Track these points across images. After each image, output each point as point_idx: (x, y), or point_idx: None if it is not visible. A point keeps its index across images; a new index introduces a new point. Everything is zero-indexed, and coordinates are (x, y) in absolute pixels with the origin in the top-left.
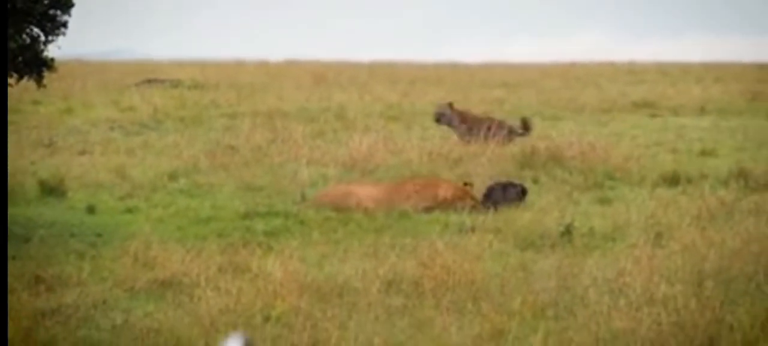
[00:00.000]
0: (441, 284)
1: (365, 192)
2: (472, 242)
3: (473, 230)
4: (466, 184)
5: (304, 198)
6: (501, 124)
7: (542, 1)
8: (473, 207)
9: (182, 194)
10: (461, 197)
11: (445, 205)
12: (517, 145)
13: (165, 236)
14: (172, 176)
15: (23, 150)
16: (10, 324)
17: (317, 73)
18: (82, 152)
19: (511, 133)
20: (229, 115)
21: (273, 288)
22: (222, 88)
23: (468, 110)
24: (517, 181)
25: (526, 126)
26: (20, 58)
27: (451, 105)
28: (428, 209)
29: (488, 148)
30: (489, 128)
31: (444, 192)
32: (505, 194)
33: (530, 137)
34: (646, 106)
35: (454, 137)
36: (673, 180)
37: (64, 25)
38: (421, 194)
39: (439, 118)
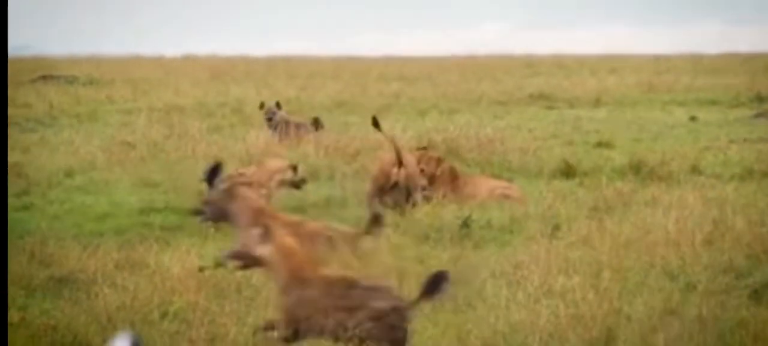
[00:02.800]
0: None
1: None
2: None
3: None
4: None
5: (201, 193)
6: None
7: None
8: None
9: (79, 190)
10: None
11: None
12: (414, 139)
13: (61, 233)
14: (68, 173)
15: None
16: None
17: (214, 67)
18: None
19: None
20: (125, 111)
21: (170, 284)
22: (118, 84)
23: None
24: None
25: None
26: None
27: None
28: None
29: (385, 141)
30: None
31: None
32: None
33: (427, 130)
34: (542, 98)
35: (351, 132)
36: (569, 172)
37: None
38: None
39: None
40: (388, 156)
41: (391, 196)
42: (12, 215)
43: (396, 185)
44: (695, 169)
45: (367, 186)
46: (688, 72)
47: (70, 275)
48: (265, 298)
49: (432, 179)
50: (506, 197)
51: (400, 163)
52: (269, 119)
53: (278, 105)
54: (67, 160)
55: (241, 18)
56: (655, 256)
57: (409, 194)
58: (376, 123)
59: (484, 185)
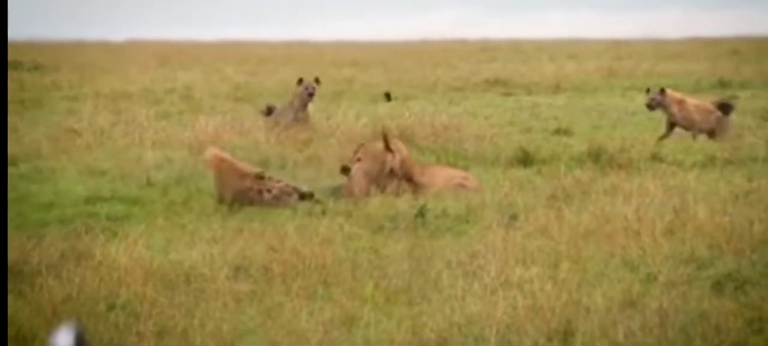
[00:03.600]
0: (290, 269)
1: None
2: (323, 225)
3: (324, 213)
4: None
5: (148, 182)
6: None
7: None
8: None
9: (22, 179)
10: None
11: None
12: (369, 127)
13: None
14: (12, 162)
15: None
16: None
17: (162, 53)
18: None
19: None
20: (70, 98)
21: (117, 275)
22: (63, 70)
23: None
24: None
25: None
26: None
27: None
28: None
29: (337, 129)
30: None
31: None
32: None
33: (380, 117)
34: (499, 84)
35: (317, 118)
36: (527, 160)
37: None
38: None
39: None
40: (377, 144)
41: (388, 183)
42: None
43: (392, 171)
44: (656, 157)
45: (359, 177)
46: (649, 57)
47: (14, 266)
48: (215, 289)
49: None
50: (462, 186)
51: (389, 149)
52: (310, 95)
53: (317, 81)
54: (11, 148)
55: (189, 1)
56: (615, 246)
57: (404, 179)
58: (388, 97)
59: (440, 174)
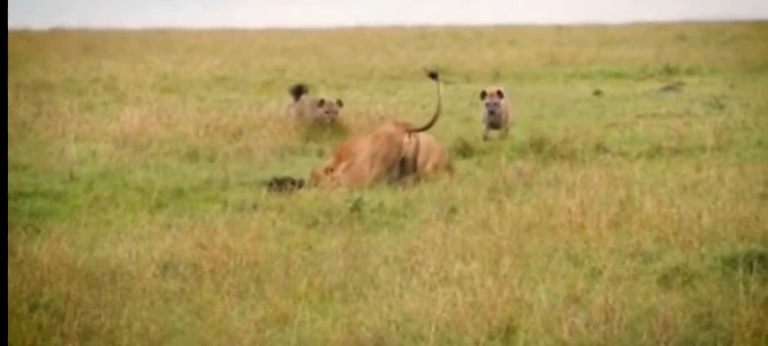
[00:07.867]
0: (221, 265)
1: None
2: (254, 220)
3: (255, 207)
4: None
5: (72, 176)
6: None
7: None
8: None
9: None
10: None
11: None
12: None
13: None
14: None
15: None
16: None
17: (85, 41)
18: None
19: None
20: None
21: (40, 274)
22: None
23: None
24: None
25: None
26: None
27: None
28: None
29: (269, 119)
30: None
31: None
32: None
33: None
34: (438, 71)
35: (232, 109)
36: (466, 151)
37: None
38: None
39: None
40: (392, 128)
41: (399, 168)
42: None
43: (404, 159)
44: (600, 147)
45: (375, 164)
46: (592, 43)
47: None
48: (142, 288)
49: None
50: (449, 170)
51: (409, 133)
52: None
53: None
54: None
55: None
56: (558, 240)
57: (414, 165)
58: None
59: (426, 143)
